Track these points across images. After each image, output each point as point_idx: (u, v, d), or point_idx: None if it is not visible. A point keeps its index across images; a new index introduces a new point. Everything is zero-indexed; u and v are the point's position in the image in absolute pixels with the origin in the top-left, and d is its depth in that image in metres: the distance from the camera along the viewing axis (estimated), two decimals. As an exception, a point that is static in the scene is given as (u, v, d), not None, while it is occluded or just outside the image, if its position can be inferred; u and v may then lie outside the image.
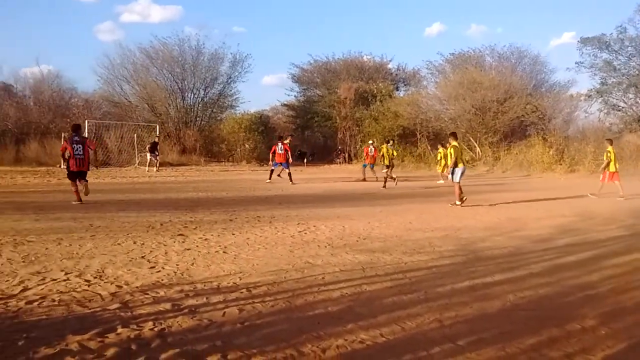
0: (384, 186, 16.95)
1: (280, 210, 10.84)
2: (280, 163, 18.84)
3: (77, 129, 12.12)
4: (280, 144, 18.83)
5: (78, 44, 69.19)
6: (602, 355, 3.47)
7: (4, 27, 63.11)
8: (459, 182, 12.16)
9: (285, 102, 44.49)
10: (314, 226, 8.71)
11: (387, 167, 17.72)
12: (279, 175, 19.80)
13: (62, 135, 26.05)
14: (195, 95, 37.54)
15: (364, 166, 21.52)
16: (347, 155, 36.86)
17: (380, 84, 38.08)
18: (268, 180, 19.01)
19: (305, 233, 8.06)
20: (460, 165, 12.30)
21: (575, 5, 67.99)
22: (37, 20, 66.39)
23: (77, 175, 11.56)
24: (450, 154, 12.37)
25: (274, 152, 18.96)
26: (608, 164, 14.12)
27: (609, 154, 14.11)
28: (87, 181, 11.92)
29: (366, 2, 76.40)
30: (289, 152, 18.78)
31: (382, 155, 18.22)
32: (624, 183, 14.17)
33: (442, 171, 19.87)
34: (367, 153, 21.49)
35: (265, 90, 72.37)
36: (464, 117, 30.84)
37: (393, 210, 11.12)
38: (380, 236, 7.87)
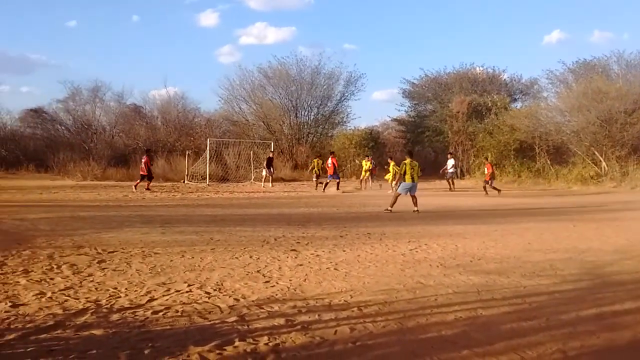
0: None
1: (390, 227, 10.78)
2: (330, 175, 23.27)
3: None
4: (330, 158, 23.53)
5: (201, 66, 74.02)
6: None
7: (135, 53, 69.23)
8: (401, 194, 13.99)
9: (396, 117, 44.35)
10: (426, 244, 8.56)
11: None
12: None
13: (187, 152, 27.90)
14: (308, 113, 38.72)
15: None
16: (459, 171, 35.86)
17: (495, 96, 36.77)
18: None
19: (417, 251, 7.94)
20: (409, 181, 13.80)
21: None
22: (164, 45, 72.16)
23: None
24: (399, 169, 14.44)
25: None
26: None
27: None
28: None
29: (478, 12, 74.17)
30: (336, 166, 23.67)
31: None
32: None
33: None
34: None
35: (375, 106, 72.64)
36: (588, 129, 28.82)
37: (510, 229, 10.63)
38: (496, 257, 7.56)
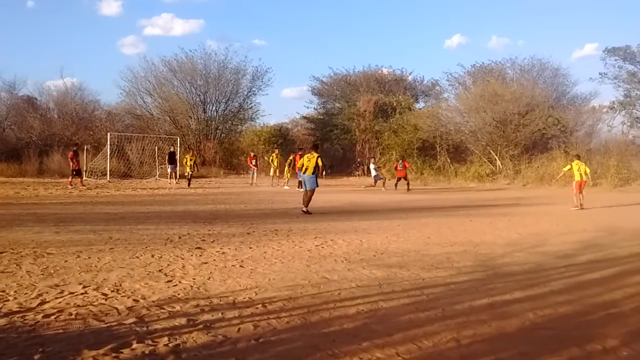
0: None
1: (297, 224, 10.83)
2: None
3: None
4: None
5: (102, 57, 70.87)
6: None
7: (29, 41, 64.73)
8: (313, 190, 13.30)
9: (305, 115, 44.75)
10: (332, 240, 8.68)
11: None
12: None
13: (86, 147, 26.47)
14: (216, 108, 38.06)
15: None
16: (365, 168, 36.79)
17: (400, 97, 38.08)
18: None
19: (323, 247, 8.03)
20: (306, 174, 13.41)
21: (598, 17, 67.35)
22: (61, 34, 68.13)
23: None
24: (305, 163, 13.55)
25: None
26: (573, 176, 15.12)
27: (571, 168, 15.71)
28: None
29: (386, 15, 76.57)
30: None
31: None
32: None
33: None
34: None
35: (284, 103, 73.06)
36: (485, 129, 30.61)
37: (411, 224, 11.04)
38: (398, 251, 7.81)
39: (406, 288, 5.53)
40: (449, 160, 32.09)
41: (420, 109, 38.85)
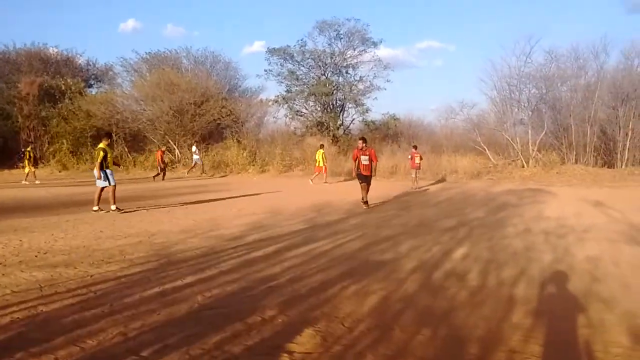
0: None
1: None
2: None
3: None
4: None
5: None
6: (278, 343, 3.77)
7: None
8: (114, 185, 11.49)
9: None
10: (-20, 244, 7.49)
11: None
12: None
13: None
14: None
15: None
16: (32, 159, 32.85)
17: (69, 80, 34.99)
18: None
19: (-31, 252, 6.86)
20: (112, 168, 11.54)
21: (266, 16, 73.82)
22: None
23: None
24: (98, 155, 11.35)
25: None
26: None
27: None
28: None
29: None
30: None
31: None
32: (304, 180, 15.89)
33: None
34: None
35: None
36: (163, 118, 30.52)
37: (82, 219, 10.29)
38: (65, 248, 7.19)
39: (71, 287, 5.12)
40: (126, 149, 31.04)
41: (93, 94, 36.42)
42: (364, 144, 12.60)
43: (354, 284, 5.36)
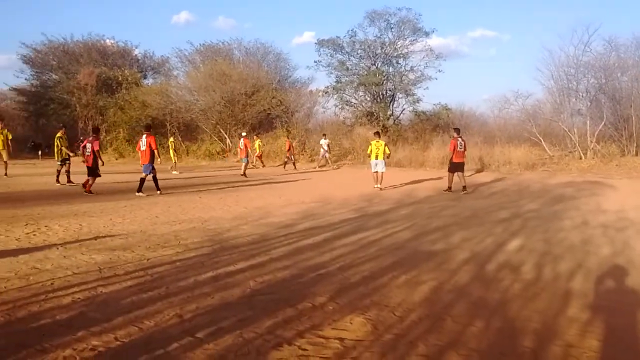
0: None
1: (4, 210, 9.49)
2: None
3: None
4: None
5: None
6: (329, 329, 3.79)
7: None
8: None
9: (15, 87, 39.03)
10: (46, 226, 7.84)
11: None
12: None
13: None
14: None
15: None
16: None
17: (126, 71, 36.05)
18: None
19: (35, 235, 7.20)
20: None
21: (316, 7, 73.79)
22: None
23: None
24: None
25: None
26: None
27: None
28: None
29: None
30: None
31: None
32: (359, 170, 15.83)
33: None
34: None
35: (-12, 72, 62.77)
36: (215, 108, 31.08)
37: (139, 204, 10.63)
38: (123, 232, 7.45)
39: (129, 270, 5.30)
40: (180, 139, 31.75)
41: (149, 85, 37.38)
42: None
43: (404, 274, 5.33)
